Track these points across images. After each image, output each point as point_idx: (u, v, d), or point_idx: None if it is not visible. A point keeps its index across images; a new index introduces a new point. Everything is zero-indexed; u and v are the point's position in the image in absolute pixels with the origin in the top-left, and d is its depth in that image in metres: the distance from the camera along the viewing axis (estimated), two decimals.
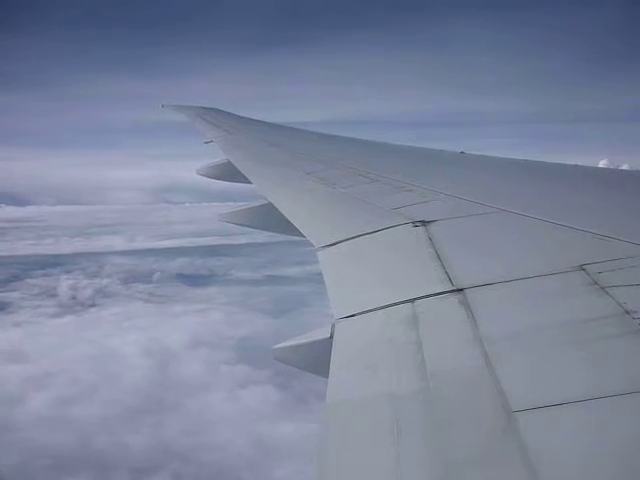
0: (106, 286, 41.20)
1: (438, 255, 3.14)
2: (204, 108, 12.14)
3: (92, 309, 35.23)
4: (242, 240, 54.04)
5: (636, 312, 2.15)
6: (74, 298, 37.87)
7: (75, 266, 47.08)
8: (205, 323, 30.20)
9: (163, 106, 12.50)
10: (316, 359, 2.77)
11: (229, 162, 7.63)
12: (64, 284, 41.02)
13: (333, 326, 2.73)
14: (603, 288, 2.40)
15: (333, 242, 3.85)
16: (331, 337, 2.65)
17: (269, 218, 5.46)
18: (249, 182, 6.69)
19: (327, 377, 2.33)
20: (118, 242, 61.56)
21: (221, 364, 24.51)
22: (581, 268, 2.63)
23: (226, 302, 34.80)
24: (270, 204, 5.40)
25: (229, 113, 11.99)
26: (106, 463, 17.17)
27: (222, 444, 18.18)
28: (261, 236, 45.42)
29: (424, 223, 3.71)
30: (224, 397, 21.66)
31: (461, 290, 2.66)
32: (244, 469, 17.24)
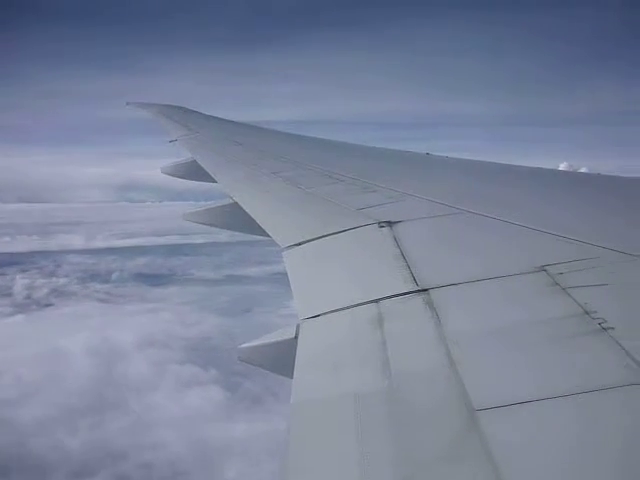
0: (63, 285, 40.56)
1: (403, 255, 3.16)
2: (169, 106, 12.00)
3: (46, 308, 34.67)
4: (202, 240, 53.78)
5: (596, 312, 2.19)
6: (29, 297, 37.22)
7: (32, 265, 46.25)
8: (158, 323, 29.97)
9: (127, 104, 12.32)
10: (281, 359, 2.76)
11: (194, 161, 7.56)
12: (19, 283, 40.28)
13: (298, 326, 2.73)
14: (564, 289, 2.44)
15: (298, 242, 3.84)
16: (296, 337, 2.65)
17: (234, 218, 5.42)
18: (214, 181, 6.64)
19: (292, 377, 2.32)
20: (77, 241, 60.67)
21: (169, 364, 24.37)
22: (542, 269, 2.67)
23: (183, 302, 34.59)
24: (235, 204, 5.37)
25: (194, 111, 11.87)
26: (41, 465, 16.88)
27: (161, 444, 18.08)
28: (222, 236, 45.24)
29: (390, 224, 3.72)
30: (168, 397, 21.55)
31: (426, 290, 2.68)
32: (181, 468, 17.15)
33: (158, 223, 70.28)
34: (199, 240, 54.25)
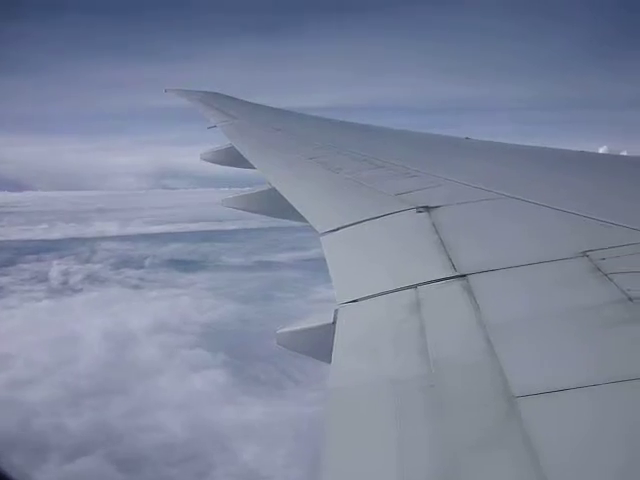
0: (96, 271, 41.19)
1: (441, 241, 3.14)
2: (207, 93, 12.08)
3: (77, 294, 35.23)
4: (235, 226, 54.17)
5: (639, 299, 2.15)
6: (64, 283, 37.89)
7: (68, 251, 47.18)
8: (181, 308, 30.06)
9: (166, 91, 12.45)
10: (318, 344, 2.77)
11: (233, 147, 7.62)
12: (55, 269, 41.11)
13: (336, 311, 2.74)
14: (606, 275, 2.40)
15: (336, 227, 3.85)
16: (334, 322, 2.66)
17: (272, 203, 5.45)
18: (253, 167, 6.68)
19: (329, 362, 2.33)
20: (112, 227, 61.70)
21: (181, 348, 24.57)
22: (584, 254, 2.63)
23: (211, 288, 34.69)
24: (273, 189, 5.39)
25: (232, 98, 11.93)
26: (41, 445, 17.29)
27: (158, 426, 18.34)
28: (254, 222, 45.54)
29: (428, 209, 3.70)
30: (173, 380, 21.79)
31: (464, 276, 2.66)
32: (174, 451, 17.38)
33: (192, 210, 71.16)
34: (231, 226, 54.66)
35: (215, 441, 17.36)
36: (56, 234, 58.65)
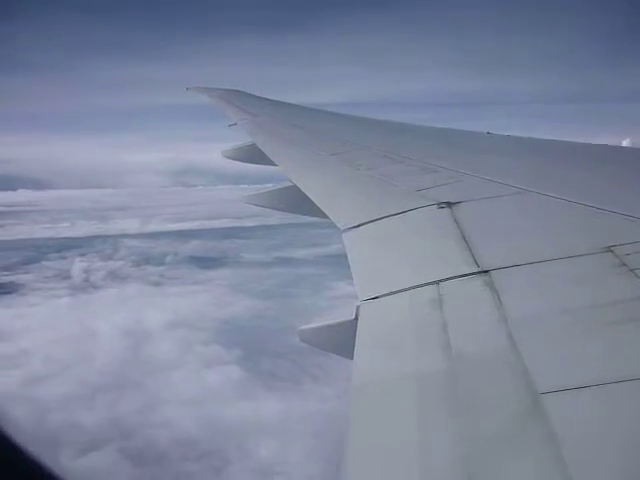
0: (118, 268, 41.50)
1: (463, 236, 3.13)
2: (227, 90, 12.13)
3: (100, 291, 35.62)
4: (254, 223, 54.46)
5: None
6: (86, 280, 38.29)
7: (90, 249, 47.67)
8: (199, 304, 30.28)
9: (187, 89, 12.52)
10: (341, 341, 2.78)
11: (254, 144, 7.65)
12: (78, 266, 41.56)
13: (358, 308, 2.74)
14: (632, 270, 2.37)
15: (358, 224, 3.85)
16: (356, 319, 2.66)
17: (293, 200, 5.47)
18: (274, 164, 6.70)
19: (352, 359, 2.34)
20: (134, 225, 62.20)
21: (199, 344, 24.68)
22: (609, 250, 2.60)
23: (230, 284, 34.89)
24: (295, 186, 5.40)
25: (252, 95, 11.97)
26: (54, 440, 17.46)
27: (174, 421, 18.44)
28: (273, 218, 45.73)
29: (449, 204, 3.69)
30: (190, 376, 21.91)
31: (487, 272, 2.65)
32: (191, 446, 17.45)
33: (212, 207, 71.56)
34: (251, 223, 54.99)
35: (231, 437, 17.47)
36: (78, 232, 59.30)
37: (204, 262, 42.51)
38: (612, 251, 2.58)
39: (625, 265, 2.43)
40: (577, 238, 2.91)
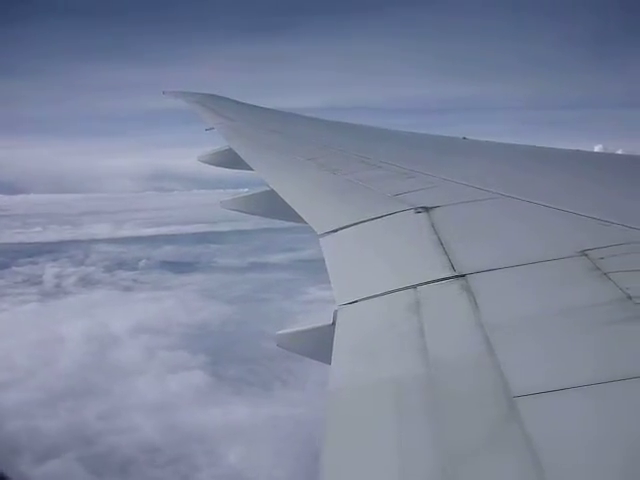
0: (90, 274, 41.28)
1: (440, 241, 3.14)
2: (204, 95, 12.09)
3: (70, 296, 35.29)
4: (228, 227, 54.37)
5: (638, 297, 2.15)
6: (57, 286, 38.01)
7: (62, 254, 47.17)
8: (170, 310, 30.20)
9: (164, 93, 12.46)
10: (318, 345, 2.77)
11: (230, 149, 7.62)
12: (49, 272, 41.13)
13: (335, 312, 2.74)
14: (605, 274, 2.40)
15: (335, 228, 3.85)
16: (333, 323, 2.66)
17: (271, 205, 5.45)
18: (250, 169, 6.68)
19: (329, 364, 2.33)
20: (106, 230, 61.79)
21: (163, 350, 24.49)
22: (583, 254, 2.63)
23: (202, 289, 34.87)
24: (272, 191, 5.39)
25: (229, 99, 11.94)
26: (12, 447, 17.23)
27: (132, 428, 18.31)
28: (247, 223, 45.81)
29: (426, 209, 3.70)
30: (151, 382, 21.78)
31: (463, 276, 2.66)
32: (149, 453, 17.33)
33: (186, 212, 71.52)
34: (225, 228, 54.88)
35: (199, 442, 17.35)
36: (50, 237, 58.74)
37: (177, 267, 42.31)
38: (586, 255, 2.61)
39: (599, 269, 2.45)
40: (552, 242, 2.93)
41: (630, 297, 2.16)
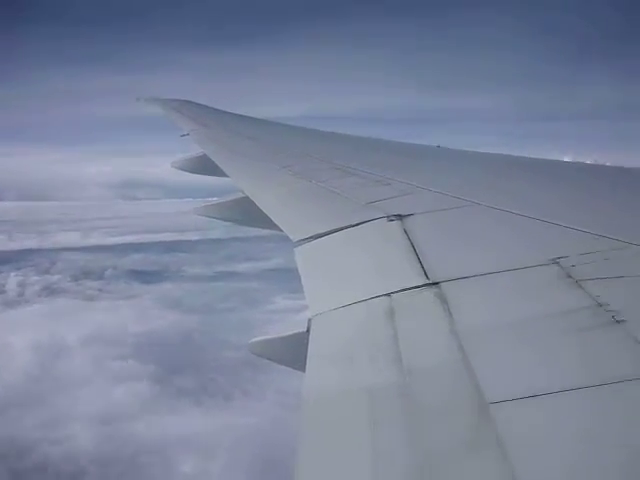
0: (54, 282, 40.51)
1: (414, 249, 3.15)
2: (179, 101, 12.02)
3: (32, 305, 34.63)
4: (197, 236, 54.02)
5: (608, 305, 2.18)
6: (20, 295, 37.34)
7: (27, 262, 46.33)
8: (130, 319, 29.76)
9: (138, 99, 12.36)
10: (292, 353, 2.76)
11: (205, 155, 7.58)
12: (12, 280, 40.41)
13: (310, 320, 2.73)
14: (577, 281, 2.42)
15: (309, 236, 3.84)
16: (308, 331, 2.65)
17: (245, 212, 5.43)
18: (225, 175, 6.65)
19: (303, 371, 2.33)
20: (73, 238, 60.65)
21: (113, 360, 24.21)
22: (555, 262, 2.66)
23: (168, 298, 34.52)
24: (247, 198, 5.37)
25: (205, 106, 11.89)
26: None
27: (65, 438, 18.08)
28: (216, 232, 45.45)
29: (400, 217, 3.72)
30: (95, 393, 21.51)
31: (437, 283, 2.67)
32: (89, 463, 17.12)
33: (155, 220, 70.82)
34: (194, 237, 54.51)
35: (154, 453, 17.13)
36: (15, 245, 57.49)
37: (144, 276, 41.75)
38: (558, 263, 2.64)
39: (571, 277, 2.48)
40: (525, 250, 2.96)
41: (600, 305, 2.19)
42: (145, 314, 30.88)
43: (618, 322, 2.05)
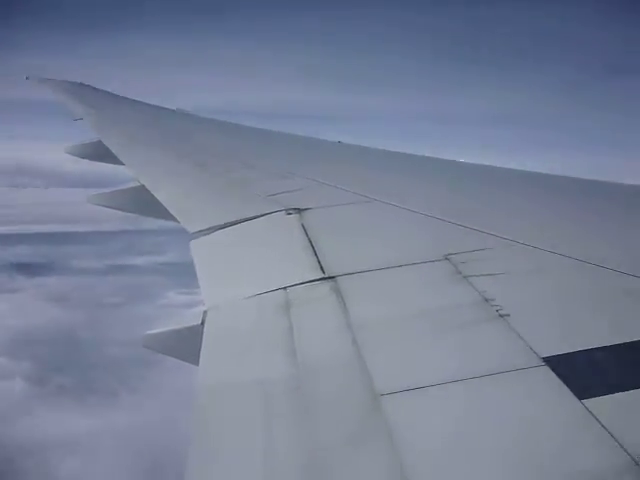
0: None
1: (311, 243, 3.17)
2: (73, 83, 11.45)
3: None
4: (87, 228, 52.07)
5: (494, 300, 2.28)
6: None
7: None
8: (7, 314, 28.61)
9: (27, 78, 11.67)
10: (186, 346, 2.71)
11: (100, 141, 7.28)
12: None
13: (204, 313, 2.69)
14: (465, 277, 2.52)
15: (205, 228, 3.79)
16: (202, 324, 2.61)
17: (141, 202, 5.26)
18: (121, 163, 6.42)
19: (197, 364, 2.29)
20: None
21: None
22: (446, 258, 2.75)
23: (54, 292, 33.26)
24: (143, 187, 5.21)
25: (101, 90, 11.41)
26: None
27: None
28: (108, 224, 44.08)
29: (299, 211, 3.73)
30: None
31: (333, 278, 2.70)
32: None
33: (44, 210, 67.56)
34: (85, 229, 52.54)
35: (28, 455, 16.45)
36: None
37: (29, 269, 39.66)
38: (449, 259, 2.73)
39: (460, 273, 2.57)
40: (419, 246, 3.04)
41: (487, 300, 2.29)
42: (26, 309, 29.41)
43: (502, 316, 2.15)
